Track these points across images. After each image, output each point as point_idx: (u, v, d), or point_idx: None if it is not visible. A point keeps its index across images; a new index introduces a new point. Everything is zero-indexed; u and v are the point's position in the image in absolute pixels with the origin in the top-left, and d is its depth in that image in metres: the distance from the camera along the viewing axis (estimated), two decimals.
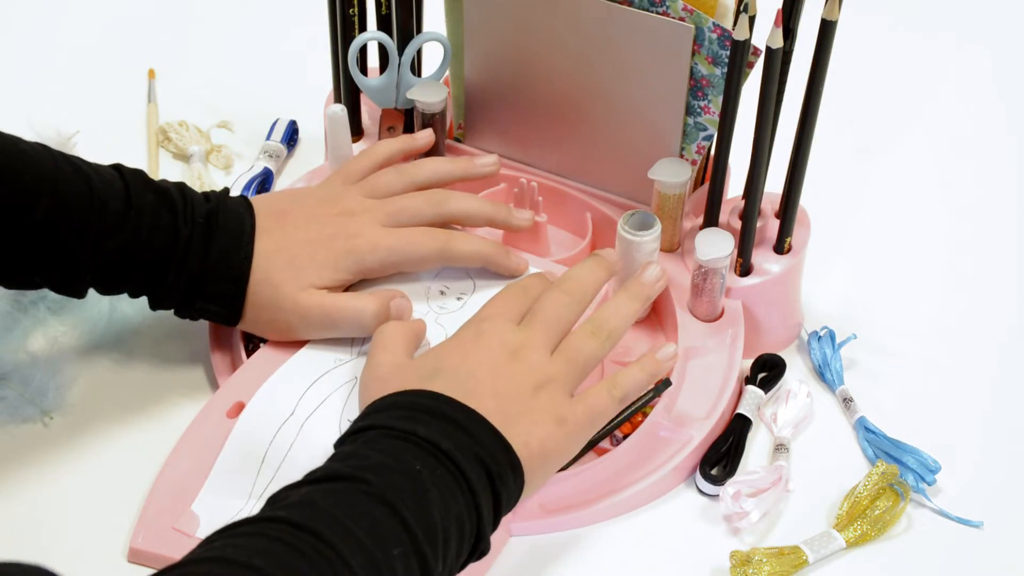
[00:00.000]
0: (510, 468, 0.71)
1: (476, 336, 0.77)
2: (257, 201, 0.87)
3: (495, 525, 0.71)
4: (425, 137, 0.95)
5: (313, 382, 0.83)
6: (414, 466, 0.67)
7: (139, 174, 0.84)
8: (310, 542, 0.62)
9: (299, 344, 0.86)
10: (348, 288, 0.87)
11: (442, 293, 0.89)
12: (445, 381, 0.74)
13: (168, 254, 0.82)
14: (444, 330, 0.86)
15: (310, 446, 0.79)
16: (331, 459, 0.69)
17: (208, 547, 0.62)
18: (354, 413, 0.81)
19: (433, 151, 0.96)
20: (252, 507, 0.78)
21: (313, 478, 0.67)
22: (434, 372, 0.75)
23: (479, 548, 0.70)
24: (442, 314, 0.87)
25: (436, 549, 0.66)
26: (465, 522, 0.68)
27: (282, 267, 0.84)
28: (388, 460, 0.68)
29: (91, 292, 0.84)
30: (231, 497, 0.79)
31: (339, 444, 0.72)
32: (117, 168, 0.84)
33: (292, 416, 0.81)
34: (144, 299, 0.85)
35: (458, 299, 0.88)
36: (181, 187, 0.85)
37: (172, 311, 0.85)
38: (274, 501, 0.66)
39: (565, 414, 0.75)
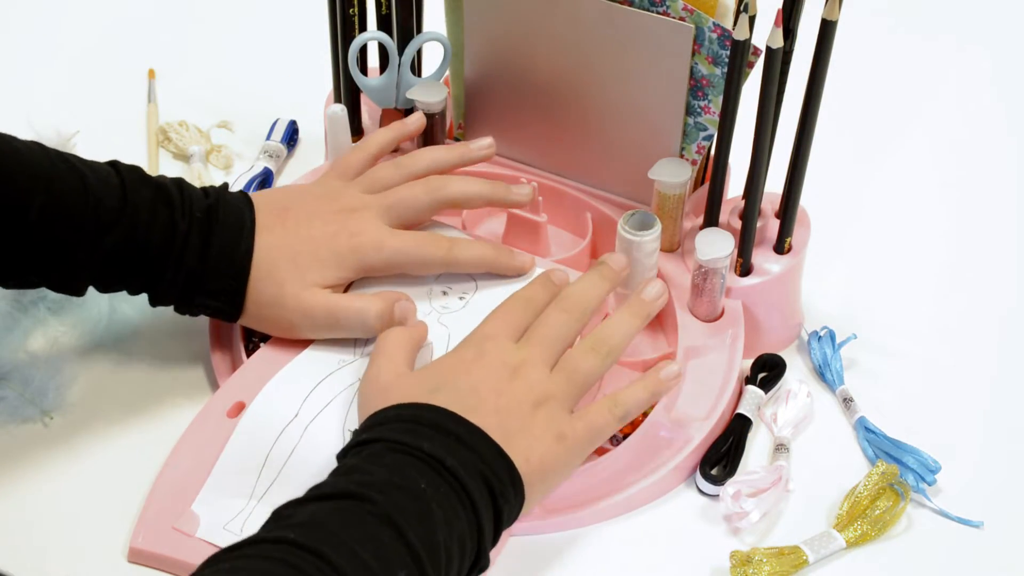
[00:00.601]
0: (511, 484, 0.71)
1: (478, 355, 0.77)
2: (256, 197, 0.87)
3: (495, 541, 0.71)
4: (416, 121, 0.94)
5: (317, 384, 0.83)
6: (419, 484, 0.67)
7: (135, 170, 0.84)
8: (316, 564, 0.62)
9: (300, 345, 0.86)
10: (348, 285, 0.87)
11: (444, 293, 0.89)
12: (447, 396, 0.74)
13: (166, 250, 0.82)
14: (447, 330, 0.86)
15: (314, 449, 0.79)
16: (335, 472, 0.69)
17: (214, 568, 0.62)
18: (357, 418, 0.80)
19: None
20: (253, 507, 0.78)
21: (318, 494, 0.67)
22: (436, 387, 0.75)
23: (479, 564, 0.70)
24: (444, 314, 0.87)
25: (439, 569, 0.66)
26: (467, 540, 0.68)
27: (284, 265, 0.84)
28: (394, 478, 0.68)
29: (91, 292, 0.84)
30: (232, 497, 0.79)
31: (342, 455, 0.72)
32: (113, 164, 0.84)
33: (296, 418, 0.81)
34: (144, 298, 0.85)
35: (460, 299, 0.88)
36: (179, 182, 0.85)
37: (172, 307, 0.85)
38: (278, 518, 0.66)
39: (565, 430, 0.75)
